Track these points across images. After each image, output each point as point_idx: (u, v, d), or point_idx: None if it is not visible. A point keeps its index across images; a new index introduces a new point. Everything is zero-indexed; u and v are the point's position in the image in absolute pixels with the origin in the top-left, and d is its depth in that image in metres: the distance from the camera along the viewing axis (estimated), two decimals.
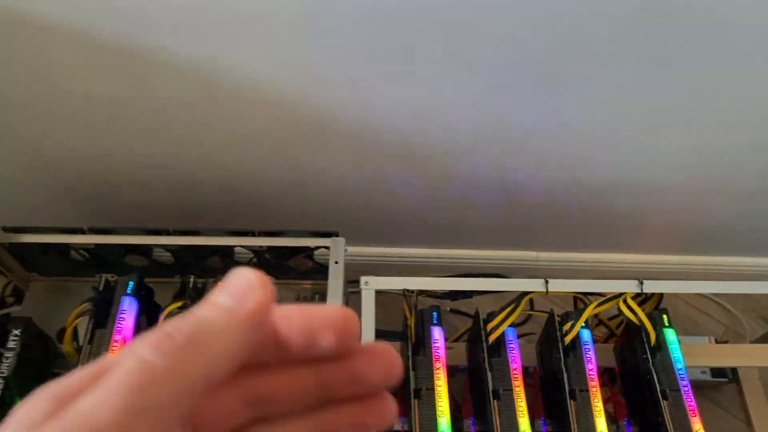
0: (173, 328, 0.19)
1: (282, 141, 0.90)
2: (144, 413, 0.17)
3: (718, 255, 1.14)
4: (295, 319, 0.21)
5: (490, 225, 1.08)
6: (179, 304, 0.80)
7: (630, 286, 0.88)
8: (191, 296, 0.82)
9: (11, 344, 0.79)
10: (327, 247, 0.86)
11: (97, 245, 0.85)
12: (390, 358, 0.22)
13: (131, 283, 0.83)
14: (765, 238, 1.07)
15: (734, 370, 1.05)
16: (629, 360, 0.91)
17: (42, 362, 0.85)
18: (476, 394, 0.87)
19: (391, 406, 0.22)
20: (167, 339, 0.18)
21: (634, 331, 0.89)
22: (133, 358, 0.18)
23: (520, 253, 1.16)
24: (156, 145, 0.91)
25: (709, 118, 0.85)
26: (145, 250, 0.88)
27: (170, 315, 0.79)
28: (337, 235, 0.86)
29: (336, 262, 0.83)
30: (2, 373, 0.77)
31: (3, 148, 0.89)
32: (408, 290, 0.87)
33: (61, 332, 0.89)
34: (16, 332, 0.80)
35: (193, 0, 0.68)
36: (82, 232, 0.86)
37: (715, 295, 1.18)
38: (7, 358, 0.78)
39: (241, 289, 0.20)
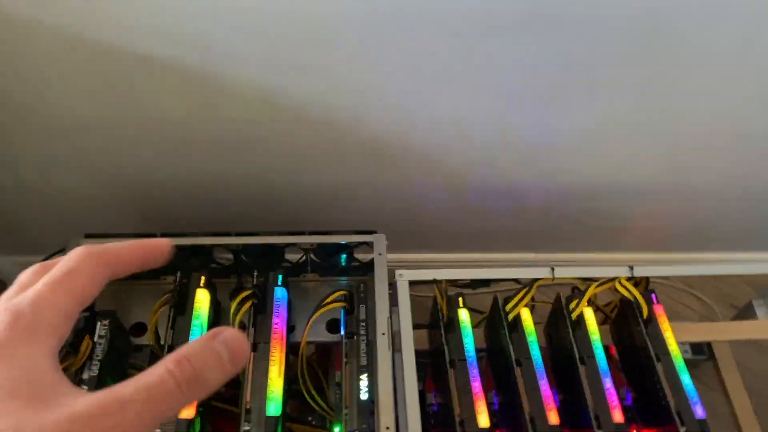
0: (191, 356, 0.28)
1: (323, 157, 1.06)
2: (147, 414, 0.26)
3: (695, 252, 1.32)
4: None
5: (497, 230, 1.24)
6: (247, 293, 0.93)
7: (622, 271, 1.05)
8: (255, 293, 0.94)
9: (101, 332, 0.91)
10: (368, 243, 1.00)
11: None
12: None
13: (203, 278, 0.96)
14: (733, 233, 1.26)
15: (709, 346, 1.22)
16: (624, 336, 1.06)
17: (122, 352, 0.97)
18: (497, 367, 1.01)
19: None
20: (186, 363, 0.28)
21: (627, 309, 1.05)
22: (162, 366, 0.27)
23: (521, 255, 1.32)
24: (213, 162, 1.06)
25: (683, 131, 1.03)
26: (207, 252, 1.01)
27: (240, 303, 0.92)
28: (376, 233, 1.01)
29: (380, 254, 0.97)
30: (98, 356, 0.89)
31: (87, 165, 1.02)
32: (437, 279, 1.02)
33: (135, 326, 1.01)
34: (105, 323, 0.92)
35: (264, 34, 0.84)
36: (155, 236, 0.98)
37: (690, 287, 1.35)
38: (100, 344, 0.90)
39: (239, 350, 0.30)
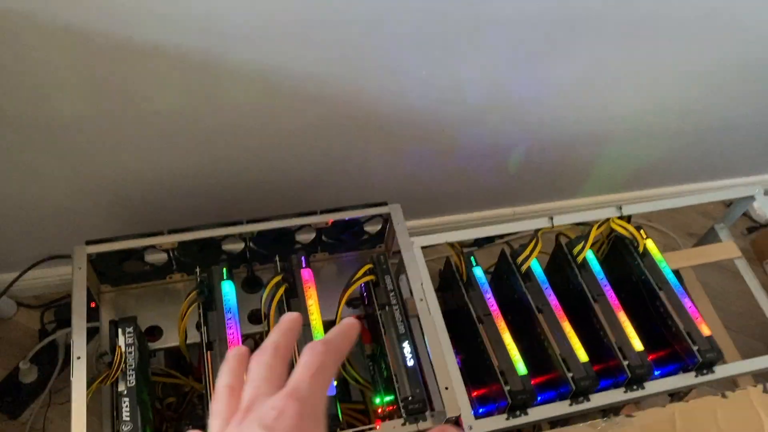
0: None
1: (322, 134, 1.04)
2: None
3: (652, 188, 1.43)
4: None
5: (480, 189, 1.28)
6: (278, 278, 0.91)
7: (612, 212, 1.12)
8: (287, 277, 0.93)
9: (128, 340, 0.86)
10: (381, 215, 1.01)
11: (181, 244, 0.93)
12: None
13: (224, 270, 0.92)
14: (691, 167, 1.37)
15: (677, 272, 1.32)
16: (618, 271, 1.13)
17: (145, 359, 0.92)
18: (517, 316, 1.06)
19: None
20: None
21: (620, 245, 1.12)
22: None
23: (498, 211, 1.37)
24: (210, 153, 1.01)
25: (654, 77, 1.10)
26: (217, 244, 0.97)
27: (273, 289, 0.90)
28: (387, 204, 1.01)
29: (398, 223, 0.98)
30: (131, 366, 0.84)
31: (67, 171, 0.95)
32: (451, 242, 1.04)
33: (149, 330, 0.96)
34: (129, 330, 0.87)
35: (266, 15, 0.81)
36: (160, 234, 0.94)
37: (649, 220, 1.46)
38: (130, 352, 0.85)
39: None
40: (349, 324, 0.38)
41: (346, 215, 0.99)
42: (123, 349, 0.85)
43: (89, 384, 0.81)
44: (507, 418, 0.91)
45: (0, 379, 1.11)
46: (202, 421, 0.99)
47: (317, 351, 0.35)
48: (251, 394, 0.33)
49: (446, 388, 0.85)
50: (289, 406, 0.32)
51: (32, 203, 1.04)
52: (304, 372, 0.34)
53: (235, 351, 0.38)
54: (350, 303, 1.02)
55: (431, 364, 0.89)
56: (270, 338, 0.37)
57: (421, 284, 0.93)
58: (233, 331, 0.88)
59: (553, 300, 1.02)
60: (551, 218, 1.09)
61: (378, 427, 0.84)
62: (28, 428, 1.09)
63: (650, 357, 0.99)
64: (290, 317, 0.39)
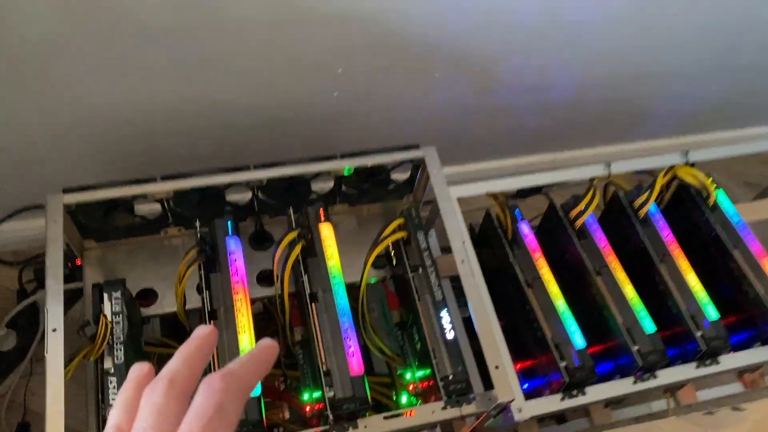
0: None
1: (342, 62, 0.87)
2: None
3: (707, 132, 1.27)
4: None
5: (520, 132, 1.12)
6: (294, 234, 0.76)
7: (677, 158, 0.96)
8: (303, 233, 0.78)
9: (116, 308, 0.72)
10: (412, 161, 0.85)
11: (177, 193, 0.78)
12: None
13: (229, 223, 0.78)
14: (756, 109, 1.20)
15: None
16: (682, 227, 0.98)
17: (137, 329, 0.78)
18: (567, 279, 0.91)
19: None
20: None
21: (685, 197, 0.97)
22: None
23: (538, 158, 1.21)
24: (210, 84, 0.85)
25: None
26: (220, 194, 0.82)
27: (287, 247, 0.76)
28: (419, 147, 0.85)
29: (435, 170, 0.82)
30: (119, 338, 0.70)
31: (42, 103, 0.79)
32: (492, 192, 0.89)
33: (142, 293, 0.82)
34: (117, 295, 0.73)
35: None
36: (153, 181, 0.78)
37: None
38: (117, 322, 0.71)
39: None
40: (264, 347, 0.34)
41: (372, 160, 0.83)
42: (109, 319, 0.71)
43: (69, 361, 0.67)
44: (562, 399, 0.78)
45: None
46: None
47: (214, 389, 0.30)
48: None
49: (496, 367, 0.71)
50: None
51: (4, 147, 0.88)
52: (194, 423, 0.28)
53: (135, 372, 0.32)
54: (374, 263, 0.87)
55: (477, 338, 0.75)
56: (168, 367, 0.31)
57: (463, 242, 0.78)
58: (241, 295, 0.74)
59: (613, 261, 0.88)
60: (608, 164, 0.94)
61: (412, 414, 0.70)
62: (6, 401, 0.96)
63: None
64: (202, 333, 0.33)
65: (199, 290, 0.77)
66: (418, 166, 0.86)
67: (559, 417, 0.96)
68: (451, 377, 0.72)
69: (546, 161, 1.20)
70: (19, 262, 1.06)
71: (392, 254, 0.86)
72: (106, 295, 0.73)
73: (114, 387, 0.68)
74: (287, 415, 0.94)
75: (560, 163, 1.20)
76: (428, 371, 0.77)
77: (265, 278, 0.86)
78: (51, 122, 0.85)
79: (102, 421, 0.68)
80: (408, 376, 0.84)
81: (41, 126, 0.85)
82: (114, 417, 0.30)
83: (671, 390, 0.92)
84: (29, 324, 1.01)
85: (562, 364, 0.78)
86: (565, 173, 0.94)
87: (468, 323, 0.78)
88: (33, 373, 0.99)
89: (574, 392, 0.79)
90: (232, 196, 0.84)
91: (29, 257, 1.06)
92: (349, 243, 0.86)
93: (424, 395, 0.81)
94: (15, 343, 1.00)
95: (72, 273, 0.92)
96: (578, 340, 0.80)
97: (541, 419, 0.92)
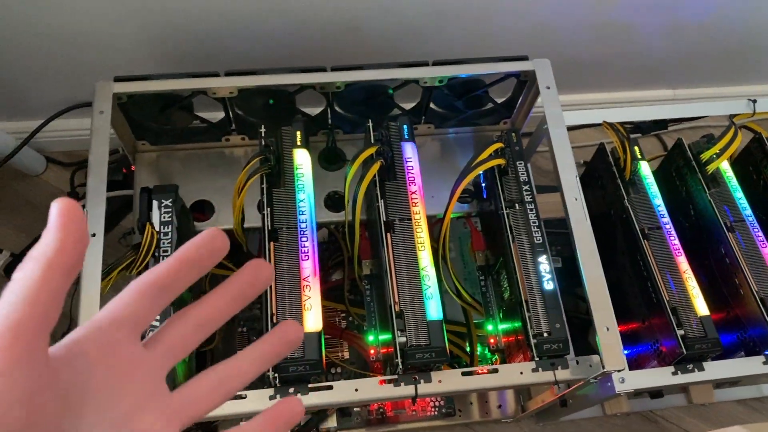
0: None
1: None
2: None
3: None
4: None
5: (641, 58, 0.95)
6: (371, 150, 0.64)
7: None
8: (382, 151, 0.66)
9: (165, 217, 0.63)
10: (518, 75, 0.71)
11: (242, 92, 0.67)
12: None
13: (298, 133, 0.66)
14: None
15: None
16: (753, 185, 0.81)
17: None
18: (690, 233, 0.77)
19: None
20: None
21: (757, 151, 0.79)
22: None
23: (656, 92, 1.04)
24: None
25: None
26: (291, 98, 0.71)
27: (362, 166, 0.64)
28: (527, 58, 0.71)
29: (548, 87, 0.68)
30: (167, 251, 0.61)
31: None
32: (609, 122, 0.74)
33: (196, 205, 0.73)
34: (167, 203, 0.63)
35: None
36: (215, 75, 0.67)
37: None
38: (166, 233, 0.62)
39: None
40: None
41: (470, 69, 0.70)
42: (156, 228, 0.62)
43: (107, 273, 0.59)
44: (674, 372, 0.65)
45: (21, 250, 0.91)
46: (259, 323, 0.77)
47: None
48: None
49: (607, 329, 0.59)
50: None
51: (58, 34, 0.79)
52: None
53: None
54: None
55: (585, 291, 0.62)
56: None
57: (576, 176, 0.65)
58: (306, 217, 0.63)
59: (747, 213, 0.73)
60: (753, 101, 0.77)
61: (495, 373, 0.59)
62: None
63: None
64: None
65: (260, 207, 0.67)
66: (523, 83, 0.72)
67: (655, 391, 0.84)
68: (546, 335, 0.60)
69: (665, 97, 1.03)
70: (72, 164, 0.98)
71: (482, 186, 0.73)
72: (155, 202, 0.64)
73: None
74: (347, 354, 0.85)
75: (675, 98, 1.03)
76: (515, 324, 0.65)
77: (333, 202, 0.75)
78: (109, 7, 0.75)
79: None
80: (489, 328, 0.73)
81: (100, 9, 0.75)
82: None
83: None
84: None
85: (680, 332, 0.65)
86: (701, 106, 0.78)
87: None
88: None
89: (690, 366, 0.65)
90: (304, 105, 0.72)
91: (82, 159, 0.98)
92: (432, 171, 0.75)
93: (507, 352, 0.70)
94: None
95: (126, 179, 0.84)
96: (700, 305, 0.67)
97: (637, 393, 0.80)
